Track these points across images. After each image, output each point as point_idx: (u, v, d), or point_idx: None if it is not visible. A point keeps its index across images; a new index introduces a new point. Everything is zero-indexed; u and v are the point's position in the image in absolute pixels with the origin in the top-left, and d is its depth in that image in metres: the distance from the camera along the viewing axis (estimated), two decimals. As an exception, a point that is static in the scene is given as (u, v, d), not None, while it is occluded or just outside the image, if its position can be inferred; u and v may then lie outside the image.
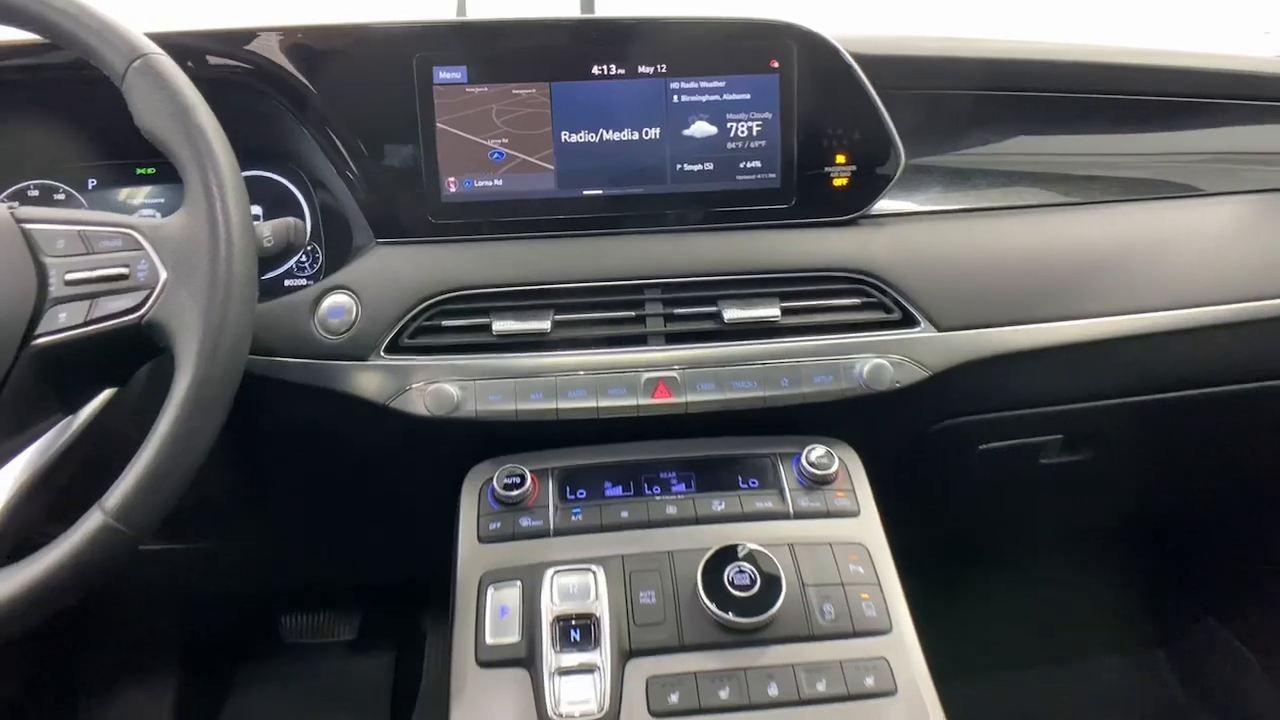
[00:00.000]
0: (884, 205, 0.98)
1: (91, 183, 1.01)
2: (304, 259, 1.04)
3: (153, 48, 0.72)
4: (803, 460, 0.90)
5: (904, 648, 0.79)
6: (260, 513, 1.08)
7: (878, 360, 0.90)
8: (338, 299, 0.90)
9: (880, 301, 0.94)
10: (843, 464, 0.91)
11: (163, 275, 0.69)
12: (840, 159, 0.95)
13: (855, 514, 0.89)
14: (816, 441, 0.93)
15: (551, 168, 0.90)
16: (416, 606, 1.55)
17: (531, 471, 0.89)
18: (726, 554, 0.80)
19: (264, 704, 1.47)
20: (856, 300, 0.93)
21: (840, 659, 0.77)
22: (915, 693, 0.76)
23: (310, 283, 1.03)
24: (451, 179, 0.90)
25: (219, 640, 1.52)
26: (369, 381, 0.88)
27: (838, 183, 0.96)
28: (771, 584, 0.78)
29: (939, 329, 0.93)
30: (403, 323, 0.89)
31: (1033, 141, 1.07)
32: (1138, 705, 1.39)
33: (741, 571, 0.79)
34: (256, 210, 1.04)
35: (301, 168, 1.00)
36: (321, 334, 0.89)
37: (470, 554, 0.85)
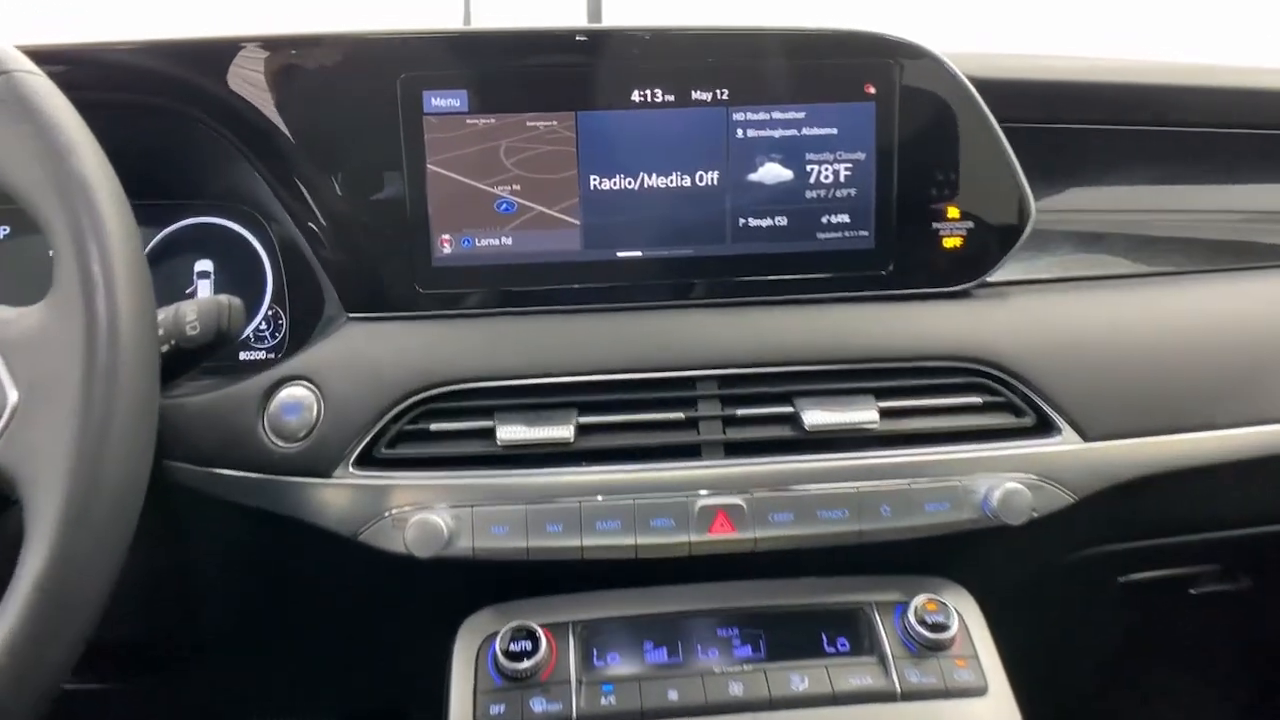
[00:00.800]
0: (1005, 272, 0.75)
1: None
2: (264, 325, 0.82)
3: (19, 64, 0.51)
4: (909, 615, 0.67)
5: None
6: (201, 654, 0.86)
7: (1011, 483, 0.67)
8: (294, 392, 0.68)
9: (1009, 401, 0.71)
10: (960, 619, 0.68)
11: (10, 398, 0.47)
12: (953, 213, 0.73)
13: (982, 691, 0.66)
14: (921, 586, 0.70)
15: (577, 223, 0.70)
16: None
17: (545, 628, 0.66)
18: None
19: None
20: (977, 399, 0.71)
21: None
22: None
23: (271, 357, 0.81)
24: (446, 236, 0.68)
25: None
26: (331, 505, 0.66)
27: (949, 243, 0.74)
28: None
29: (1085, 438, 0.70)
30: (378, 427, 0.67)
31: (1193, 192, 0.85)
32: None
33: (836, 793, 0.56)
34: (205, 266, 0.82)
35: (260, 211, 0.79)
36: (272, 439, 0.67)
37: None
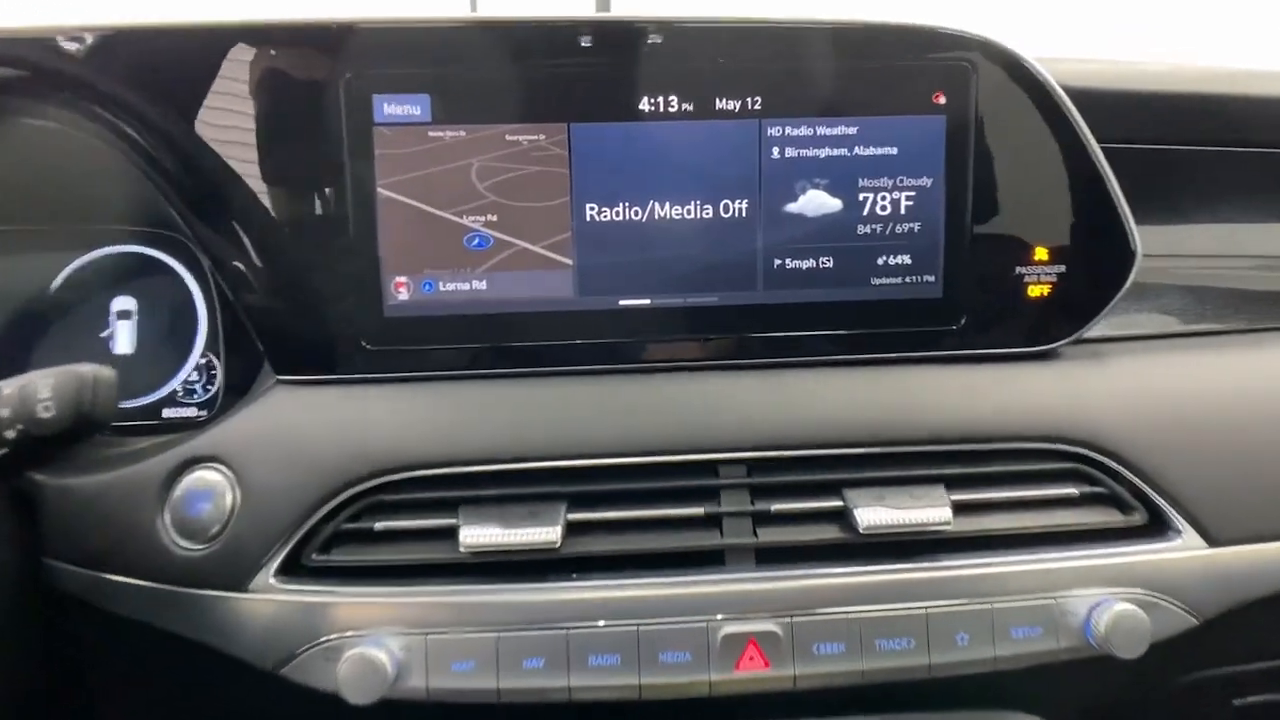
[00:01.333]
0: (1101, 328, 0.61)
1: None
2: (195, 376, 0.67)
3: None
4: None
5: None
6: None
7: (1123, 604, 0.52)
8: (205, 478, 0.54)
9: (1112, 494, 0.56)
10: None
11: None
12: (1041, 254, 0.59)
13: None
14: None
15: (569, 262, 0.57)
16: None
17: None
18: None
19: None
20: (1073, 490, 0.56)
21: None
22: None
23: (201, 415, 0.66)
24: (401, 279, 0.54)
25: None
26: (246, 629, 0.52)
27: (1035, 292, 0.60)
28: None
29: (1211, 542, 0.55)
30: (308, 526, 0.52)
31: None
32: None
33: None
34: (126, 304, 0.67)
35: (189, 239, 0.64)
36: (174, 538, 0.53)
37: None
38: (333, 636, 0.51)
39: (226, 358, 0.66)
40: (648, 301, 0.58)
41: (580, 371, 0.58)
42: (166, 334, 0.67)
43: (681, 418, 0.56)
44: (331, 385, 0.57)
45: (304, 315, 0.57)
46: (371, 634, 0.51)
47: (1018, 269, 0.59)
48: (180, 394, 0.68)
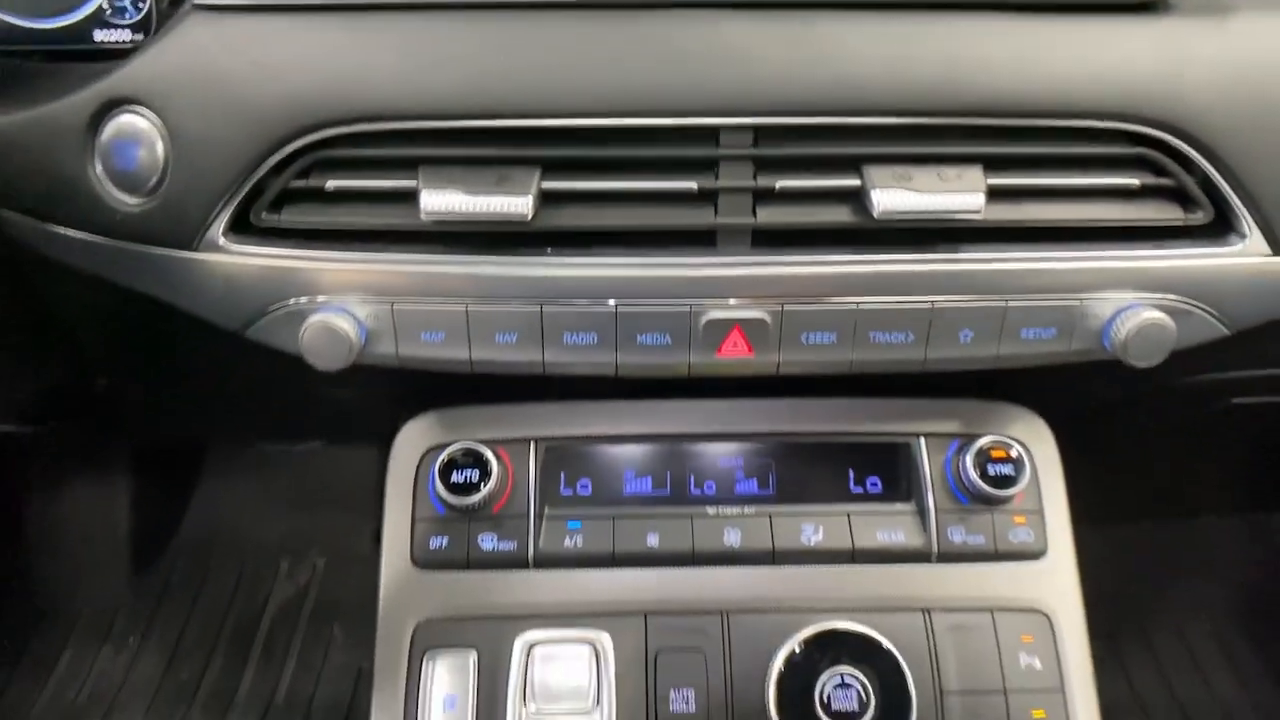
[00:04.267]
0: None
1: None
2: (125, -14, 0.57)
3: None
4: (966, 458, 0.52)
5: None
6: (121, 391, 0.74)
7: (1151, 313, 0.47)
8: (130, 124, 0.47)
9: (1179, 186, 0.48)
10: (1029, 461, 0.53)
11: None
12: None
13: (1039, 554, 0.53)
14: (988, 418, 0.54)
15: None
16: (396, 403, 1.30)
17: (501, 446, 0.53)
18: (823, 645, 0.47)
19: (234, 502, 1.31)
20: (1134, 180, 0.48)
21: None
22: None
23: (135, 40, 0.57)
24: None
25: (178, 443, 1.31)
26: (201, 288, 0.50)
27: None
28: (894, 708, 0.46)
29: (1276, 248, 0.48)
30: (252, 182, 0.47)
31: None
32: (1241, 569, 1.19)
33: (845, 686, 0.46)
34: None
35: None
36: (110, 191, 0.48)
37: (399, 586, 0.52)
38: (294, 301, 0.48)
39: None
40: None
41: (560, 3, 0.47)
42: None
43: (679, 71, 0.46)
44: (262, 13, 0.47)
45: None
46: (335, 301, 0.48)
47: None
48: (108, 11, 0.58)
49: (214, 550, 1.23)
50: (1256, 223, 0.48)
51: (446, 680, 0.50)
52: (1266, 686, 1.14)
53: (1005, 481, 0.52)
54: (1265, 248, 0.49)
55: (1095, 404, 0.61)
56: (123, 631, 1.13)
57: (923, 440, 0.55)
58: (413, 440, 0.55)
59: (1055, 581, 0.53)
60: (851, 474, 0.55)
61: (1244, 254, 0.49)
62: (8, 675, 1.11)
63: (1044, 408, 0.58)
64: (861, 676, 0.47)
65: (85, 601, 1.16)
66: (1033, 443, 0.55)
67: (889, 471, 0.55)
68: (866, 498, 0.54)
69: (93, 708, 1.08)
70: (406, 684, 0.50)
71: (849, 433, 0.55)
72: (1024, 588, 0.53)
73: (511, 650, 0.49)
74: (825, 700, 0.46)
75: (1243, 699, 1.12)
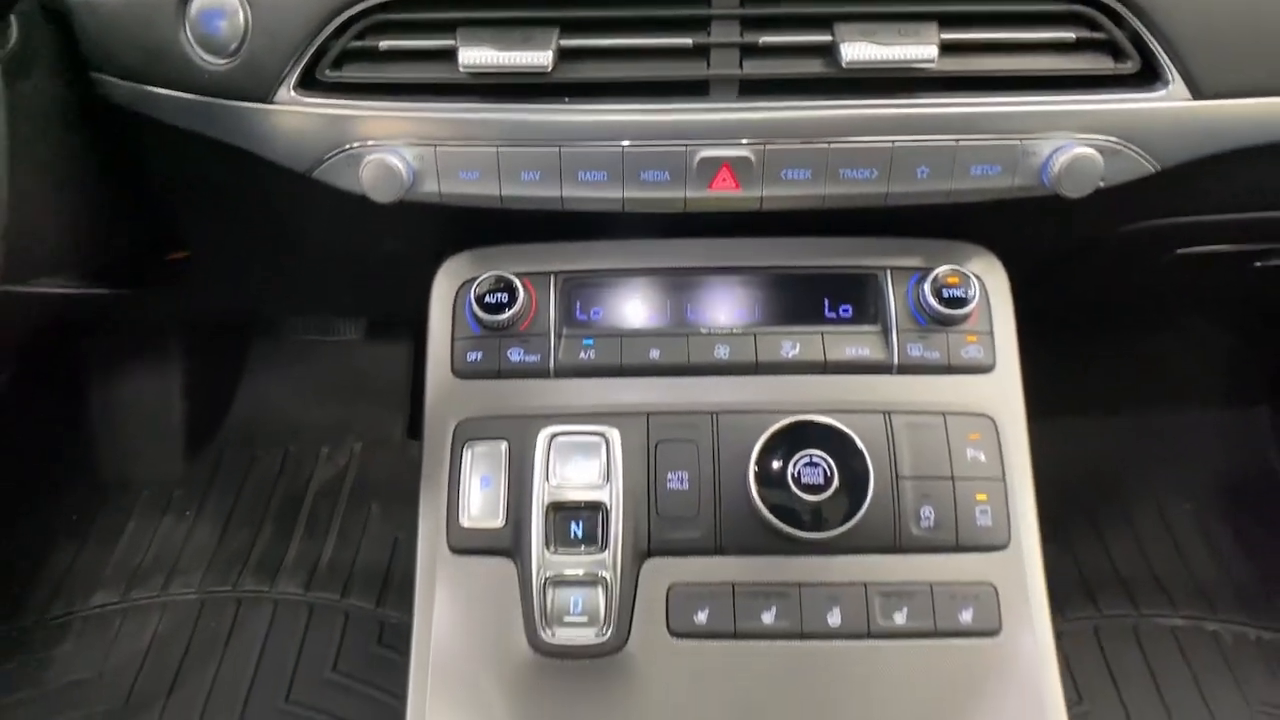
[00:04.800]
0: None
1: None
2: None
3: None
4: (925, 285, 0.61)
5: (1021, 571, 0.58)
6: (196, 264, 0.85)
7: (1082, 148, 0.55)
8: None
9: (1111, 40, 0.55)
10: (982, 289, 0.62)
11: None
12: None
13: (988, 369, 0.62)
14: (947, 254, 0.62)
15: None
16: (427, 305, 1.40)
17: (526, 277, 0.62)
18: (794, 434, 0.57)
19: (278, 390, 1.42)
20: (1070, 34, 0.55)
21: (932, 580, 0.57)
22: (1026, 635, 0.57)
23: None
24: None
25: (227, 332, 1.42)
26: (277, 135, 0.59)
27: None
28: (854, 482, 0.56)
29: (1197, 94, 0.56)
30: (317, 44, 0.56)
31: None
32: (1225, 458, 1.29)
33: (813, 465, 0.56)
34: None
35: None
36: (199, 54, 0.57)
37: (442, 393, 0.63)
38: (354, 145, 0.58)
39: None
40: None
41: None
42: None
43: None
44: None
45: None
46: (388, 144, 0.58)
47: None
48: None
49: (260, 436, 1.35)
50: (1179, 71, 0.55)
51: (482, 464, 0.60)
52: (1238, 564, 1.23)
53: (958, 303, 0.61)
54: (1187, 94, 0.56)
55: (1047, 250, 0.68)
56: (179, 506, 1.25)
57: (889, 273, 0.63)
58: (452, 273, 0.65)
59: (1002, 392, 0.62)
60: (826, 302, 0.64)
61: (1168, 99, 0.56)
62: (79, 545, 1.23)
63: (1004, 260, 0.67)
64: (828, 457, 0.57)
65: (144, 480, 1.28)
66: (985, 273, 0.63)
67: (858, 299, 0.64)
68: (838, 321, 0.63)
69: (155, 571, 1.19)
70: (450, 469, 0.61)
71: (825, 267, 0.64)
72: (973, 396, 0.62)
73: (536, 440, 0.59)
74: (796, 475, 0.56)
75: (1220, 576, 1.21)
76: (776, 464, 0.56)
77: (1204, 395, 1.35)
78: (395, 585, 1.20)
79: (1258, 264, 0.77)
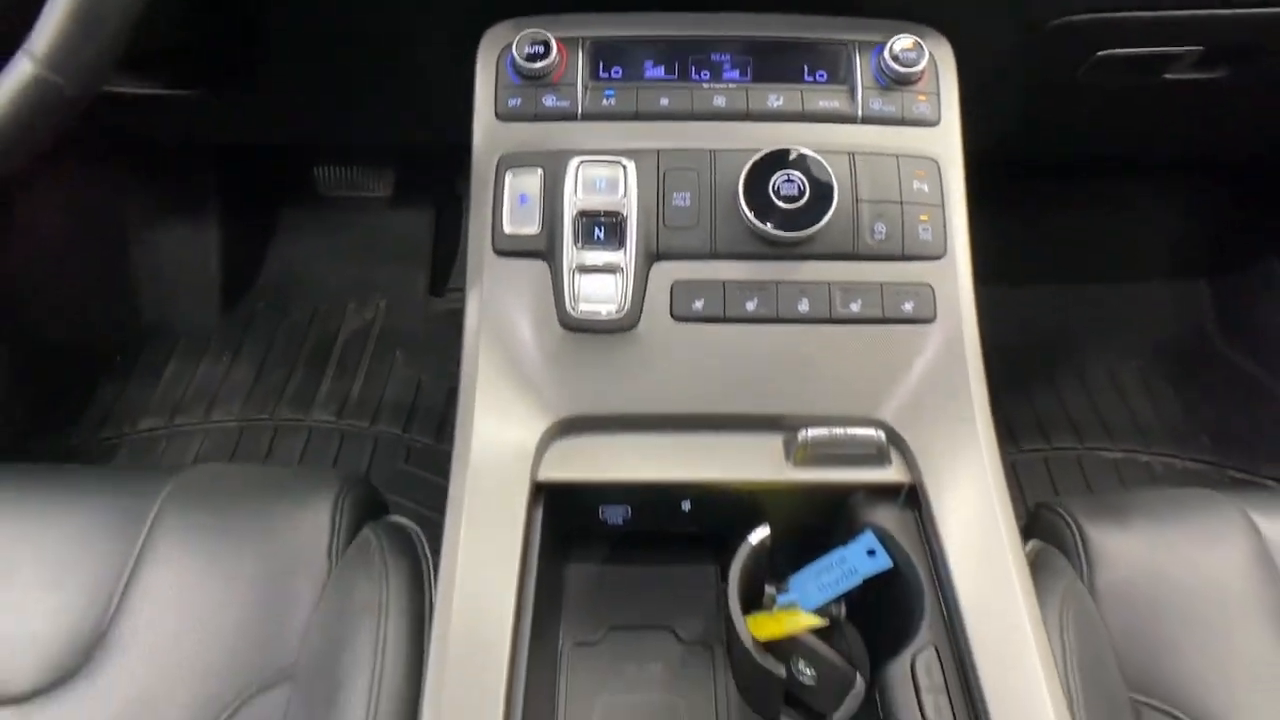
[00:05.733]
0: None
1: None
2: None
3: None
4: (885, 53, 0.74)
5: (953, 276, 0.72)
6: (249, 64, 0.96)
7: None
8: None
9: None
10: (932, 60, 0.76)
11: None
12: None
13: (934, 123, 0.76)
14: (905, 29, 0.76)
15: None
16: (451, 170, 1.50)
17: (558, 40, 0.75)
18: (776, 159, 0.70)
19: (307, 252, 1.48)
20: None
21: (882, 281, 0.71)
22: (954, 321, 0.71)
23: None
24: None
25: (257, 189, 1.52)
26: None
27: None
28: (821, 196, 0.69)
29: None
30: None
31: None
32: (1170, 326, 1.43)
33: (790, 180, 0.70)
34: None
35: None
36: None
37: (487, 132, 0.75)
38: None
39: None
40: None
41: None
42: None
43: None
44: None
45: None
46: None
47: None
48: None
49: (291, 293, 1.45)
50: None
51: (521, 186, 0.73)
52: (1173, 410, 1.40)
53: (911, 60, 0.74)
54: None
55: (985, 44, 0.81)
56: (216, 351, 1.36)
57: (857, 45, 0.77)
58: (495, 37, 0.77)
59: (944, 141, 0.75)
60: (805, 67, 0.77)
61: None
62: (123, 383, 1.35)
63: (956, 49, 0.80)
64: (802, 177, 0.70)
65: (182, 330, 1.39)
66: (934, 48, 0.77)
67: (832, 66, 0.77)
68: (815, 84, 0.77)
69: (196, 403, 1.31)
70: (494, 191, 0.74)
71: (807, 39, 0.77)
72: (922, 143, 0.75)
73: (566, 167, 0.72)
74: (776, 189, 0.70)
75: (1156, 421, 1.38)
76: (761, 179, 0.70)
77: (1151, 270, 1.51)
78: (420, 417, 1.32)
79: (1168, 75, 0.92)
